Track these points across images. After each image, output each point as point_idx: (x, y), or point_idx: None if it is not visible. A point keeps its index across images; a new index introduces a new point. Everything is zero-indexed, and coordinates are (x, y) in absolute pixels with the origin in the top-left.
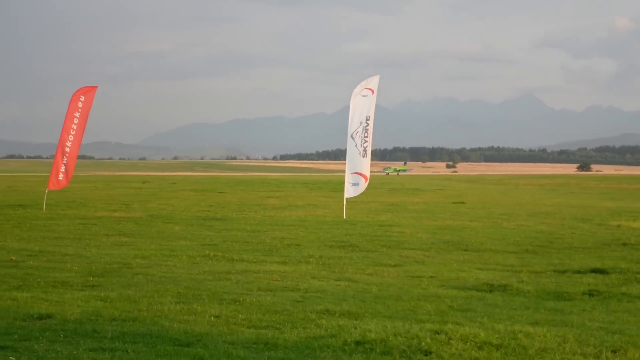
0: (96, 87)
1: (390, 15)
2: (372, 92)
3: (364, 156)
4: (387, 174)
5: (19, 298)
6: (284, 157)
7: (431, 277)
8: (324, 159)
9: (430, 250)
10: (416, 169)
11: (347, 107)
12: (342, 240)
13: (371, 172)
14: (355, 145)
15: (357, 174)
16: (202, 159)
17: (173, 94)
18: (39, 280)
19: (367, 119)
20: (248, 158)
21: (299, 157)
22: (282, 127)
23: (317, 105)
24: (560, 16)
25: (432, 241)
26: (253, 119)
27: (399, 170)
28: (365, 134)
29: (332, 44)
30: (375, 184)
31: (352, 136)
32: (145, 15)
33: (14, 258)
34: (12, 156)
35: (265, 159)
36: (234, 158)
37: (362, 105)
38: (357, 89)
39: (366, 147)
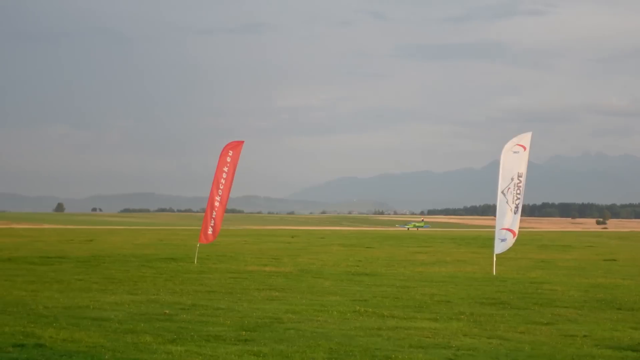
0: (243, 141)
1: (539, 70)
2: (524, 148)
3: (515, 212)
4: (408, 229)
5: (173, 352)
6: (431, 212)
7: (585, 336)
8: (471, 214)
9: (583, 309)
10: (565, 225)
11: (496, 162)
12: (492, 297)
13: (395, 227)
14: (507, 202)
15: (506, 230)
16: (350, 213)
17: (321, 148)
18: (192, 334)
19: (519, 176)
20: (395, 213)
21: (447, 212)
22: (430, 182)
23: (465, 160)
24: None
25: (585, 299)
26: (400, 174)
27: (418, 226)
28: (518, 191)
29: (479, 98)
30: (524, 240)
31: (502, 192)
32: (295, 71)
33: (167, 311)
34: (163, 210)
35: (412, 213)
36: (382, 212)
37: (513, 162)
38: (508, 145)
39: (518, 203)
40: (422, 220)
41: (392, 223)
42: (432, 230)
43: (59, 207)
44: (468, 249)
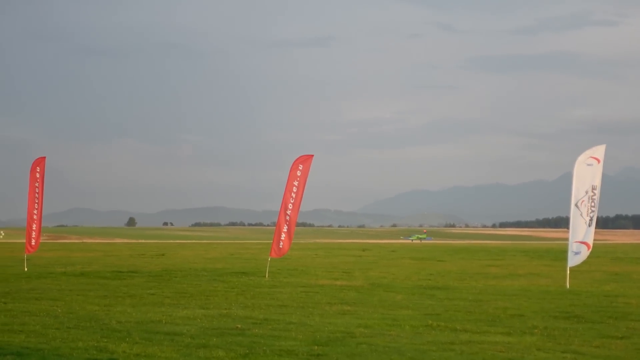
0: (313, 155)
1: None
2: (598, 161)
3: (589, 225)
4: (412, 240)
5: None
6: (503, 225)
7: None
8: (544, 227)
9: None
10: (639, 237)
11: (568, 174)
12: (566, 310)
13: (400, 239)
14: (581, 215)
15: (580, 243)
16: (420, 226)
17: (392, 161)
18: (264, 348)
19: (594, 188)
20: (467, 225)
21: (519, 224)
22: (501, 194)
23: (537, 171)
24: None
25: None
26: (472, 186)
27: (421, 238)
28: (592, 203)
29: (550, 110)
30: (597, 252)
31: (576, 205)
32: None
33: (239, 326)
34: (234, 223)
35: (484, 226)
36: (453, 225)
37: (587, 174)
38: (581, 157)
39: (592, 216)
40: (425, 232)
41: (463, 236)
42: (504, 243)
43: (131, 222)
44: (541, 262)
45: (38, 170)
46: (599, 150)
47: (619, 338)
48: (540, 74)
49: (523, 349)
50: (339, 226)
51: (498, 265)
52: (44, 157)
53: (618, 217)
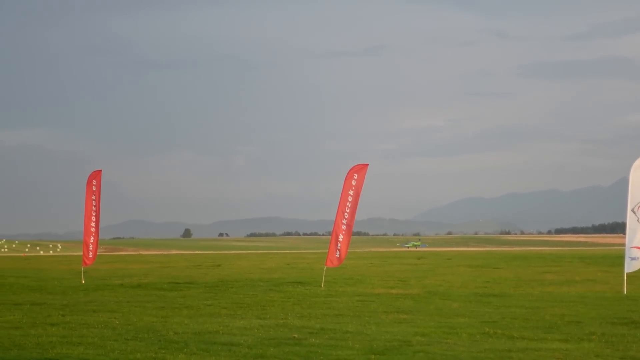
0: (367, 164)
1: None
2: None
3: None
4: (408, 248)
5: None
6: (558, 231)
7: None
8: (600, 233)
9: None
10: None
11: (624, 179)
12: (624, 316)
13: (396, 246)
14: (637, 220)
15: (637, 249)
16: (476, 233)
17: (446, 169)
18: (321, 357)
19: None
20: (522, 232)
21: (574, 230)
22: (557, 200)
23: (593, 177)
24: None
25: None
26: (527, 193)
27: (417, 245)
28: None
29: (606, 115)
30: None
31: (632, 210)
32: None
33: (296, 336)
34: (289, 233)
35: (540, 232)
36: (508, 232)
37: None
38: (637, 162)
39: None
40: (419, 239)
41: (519, 243)
42: (560, 249)
43: (187, 233)
44: (597, 268)
45: (94, 183)
46: None
47: None
48: (595, 80)
49: (581, 356)
50: (394, 234)
51: (554, 271)
52: (100, 170)
53: None
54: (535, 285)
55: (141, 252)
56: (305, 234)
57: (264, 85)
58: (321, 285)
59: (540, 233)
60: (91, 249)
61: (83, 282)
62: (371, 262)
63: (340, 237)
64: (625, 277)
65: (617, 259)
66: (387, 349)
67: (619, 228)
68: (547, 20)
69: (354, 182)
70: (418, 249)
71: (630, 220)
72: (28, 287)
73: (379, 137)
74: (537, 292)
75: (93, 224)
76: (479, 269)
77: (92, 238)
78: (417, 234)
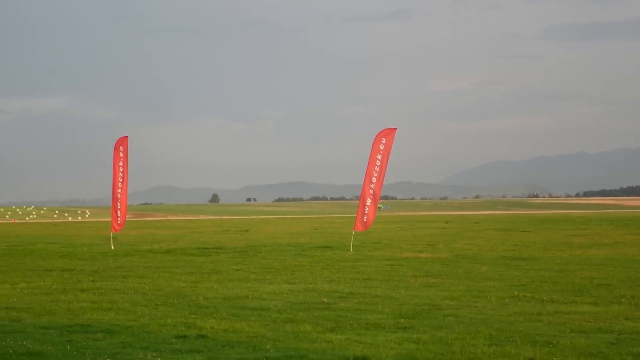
0: (396, 129)
1: None
2: None
3: None
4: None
5: (333, 340)
6: (587, 194)
7: None
8: (628, 195)
9: None
10: None
11: None
12: None
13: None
14: None
15: None
16: (503, 197)
17: (473, 132)
18: (351, 322)
19: None
20: (550, 195)
21: (603, 193)
22: (585, 163)
23: (620, 140)
24: None
25: None
26: (555, 156)
27: (380, 207)
28: None
29: (633, 78)
30: None
31: None
32: (444, 56)
33: (325, 300)
34: (316, 198)
35: (568, 196)
36: (536, 196)
37: None
38: None
39: None
40: (381, 202)
41: (547, 206)
42: (588, 212)
43: (214, 198)
44: (626, 231)
45: (121, 150)
46: None
47: None
48: (621, 41)
49: (611, 319)
50: (422, 198)
51: (583, 234)
52: (127, 137)
53: None
54: (564, 249)
55: (169, 218)
56: (332, 199)
57: (290, 49)
58: (350, 250)
59: (568, 196)
60: (119, 215)
61: (112, 248)
62: (399, 227)
63: (369, 202)
64: None
65: None
66: (417, 313)
67: None
68: None
69: (382, 147)
70: (380, 210)
71: None
72: (58, 253)
73: (406, 101)
74: (566, 255)
75: (120, 190)
76: (507, 232)
77: (120, 204)
78: (385, 197)
